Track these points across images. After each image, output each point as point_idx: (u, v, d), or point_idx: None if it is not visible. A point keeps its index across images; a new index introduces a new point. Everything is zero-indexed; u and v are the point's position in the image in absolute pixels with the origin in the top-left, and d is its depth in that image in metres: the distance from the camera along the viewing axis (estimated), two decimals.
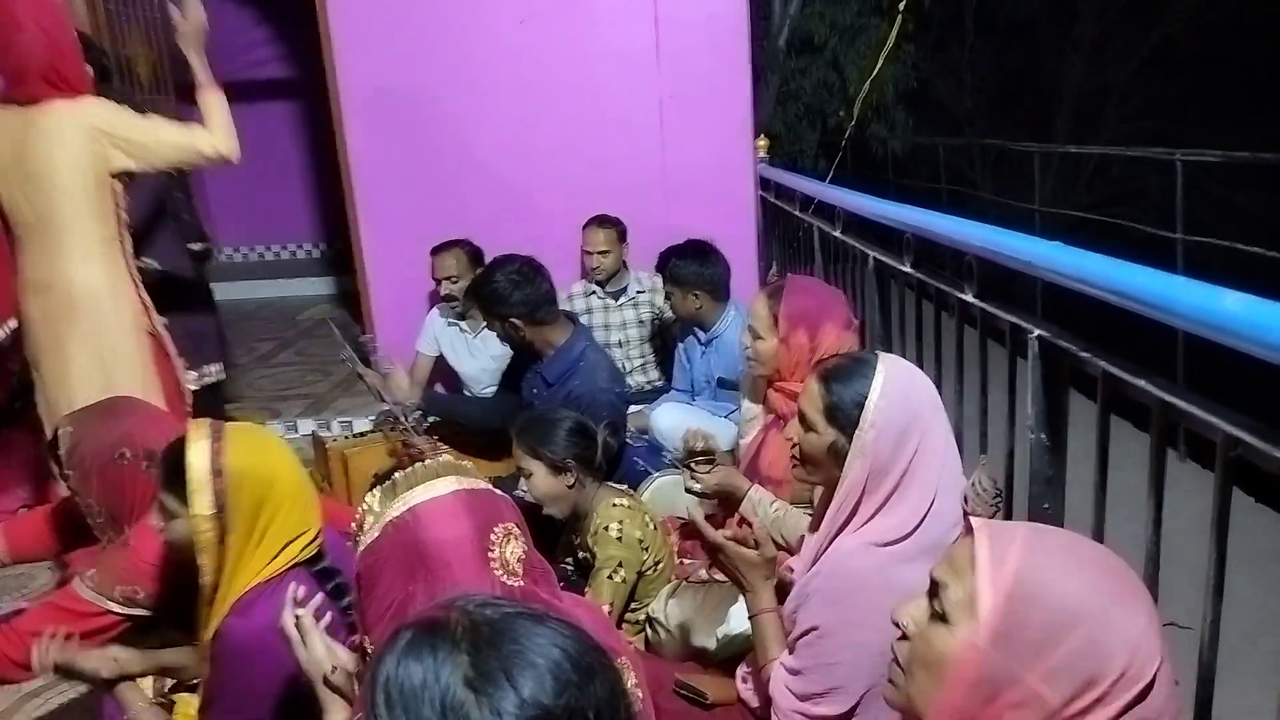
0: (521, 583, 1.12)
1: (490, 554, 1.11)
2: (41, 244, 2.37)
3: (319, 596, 1.29)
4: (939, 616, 0.88)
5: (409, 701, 0.70)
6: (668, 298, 3.25)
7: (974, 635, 0.84)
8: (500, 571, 1.11)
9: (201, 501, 1.44)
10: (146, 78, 4.08)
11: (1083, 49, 9.82)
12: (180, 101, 4.51)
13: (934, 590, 0.90)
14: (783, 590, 1.66)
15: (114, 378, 2.41)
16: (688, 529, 2.40)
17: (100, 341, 2.44)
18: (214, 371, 3.29)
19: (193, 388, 2.86)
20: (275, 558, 1.51)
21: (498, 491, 1.21)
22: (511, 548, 1.13)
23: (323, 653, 1.17)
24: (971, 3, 9.83)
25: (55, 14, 2.28)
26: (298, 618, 1.19)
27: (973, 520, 0.88)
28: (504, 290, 2.76)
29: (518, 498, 2.09)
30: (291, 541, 1.52)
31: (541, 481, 2.21)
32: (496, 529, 1.13)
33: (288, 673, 1.40)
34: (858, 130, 8.24)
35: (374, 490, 1.18)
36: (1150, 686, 0.80)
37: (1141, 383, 1.02)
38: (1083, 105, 9.93)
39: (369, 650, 1.14)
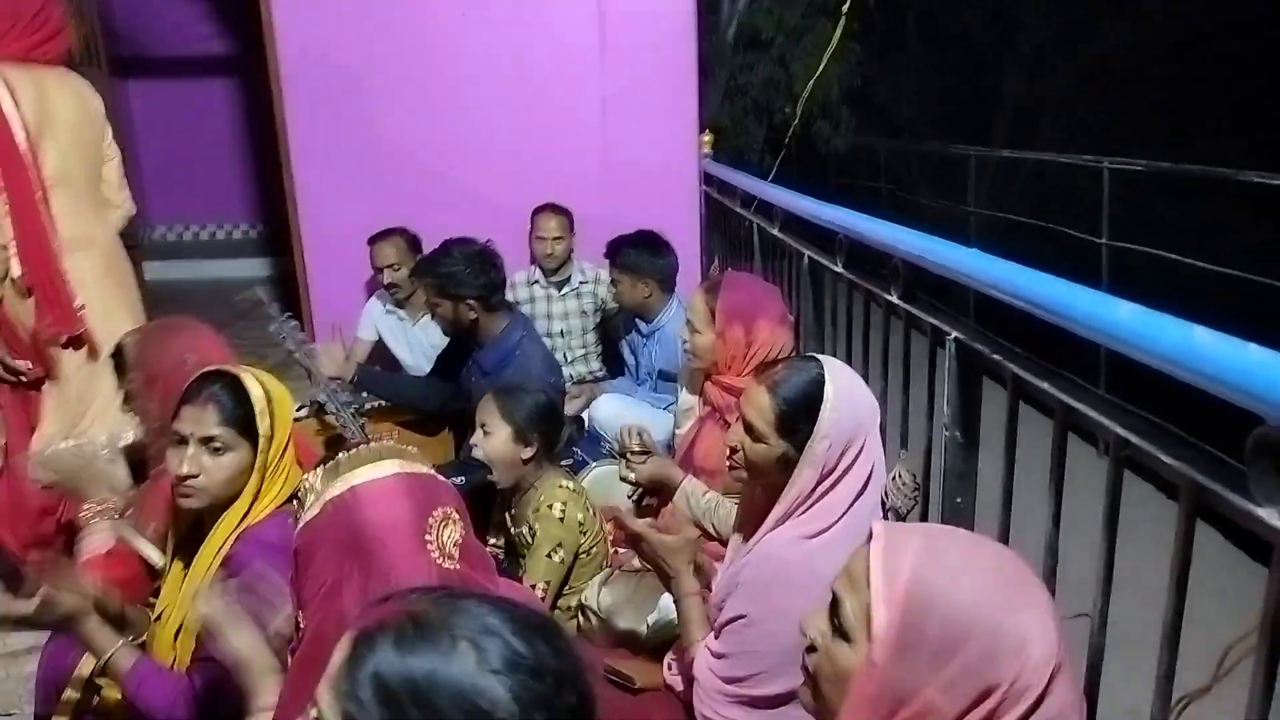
0: (457, 566, 1.15)
1: (427, 537, 1.13)
2: (75, 201, 2.41)
3: (233, 582, 1.29)
4: (840, 632, 0.90)
5: (422, 694, 0.68)
6: (614, 285, 3.27)
7: (871, 652, 0.85)
8: (437, 554, 1.13)
9: (265, 424, 1.54)
10: (78, 50, 3.95)
11: (1022, 59, 10.09)
12: (112, 75, 4.40)
13: (834, 605, 0.92)
14: (702, 575, 1.71)
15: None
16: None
17: (132, 293, 2.63)
18: None
19: None
20: (282, 490, 1.60)
21: (439, 476, 1.23)
22: (449, 532, 1.16)
23: (251, 644, 1.18)
24: (916, 7, 10.02)
25: None
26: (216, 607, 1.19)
27: (874, 526, 0.91)
28: (464, 271, 2.76)
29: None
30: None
31: (500, 445, 2.22)
32: (435, 513, 1.16)
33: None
34: (803, 128, 8.36)
35: (317, 469, 1.20)
36: (1048, 690, 0.82)
37: (1045, 385, 1.08)
38: (1020, 114, 10.20)
39: (301, 626, 1.15)
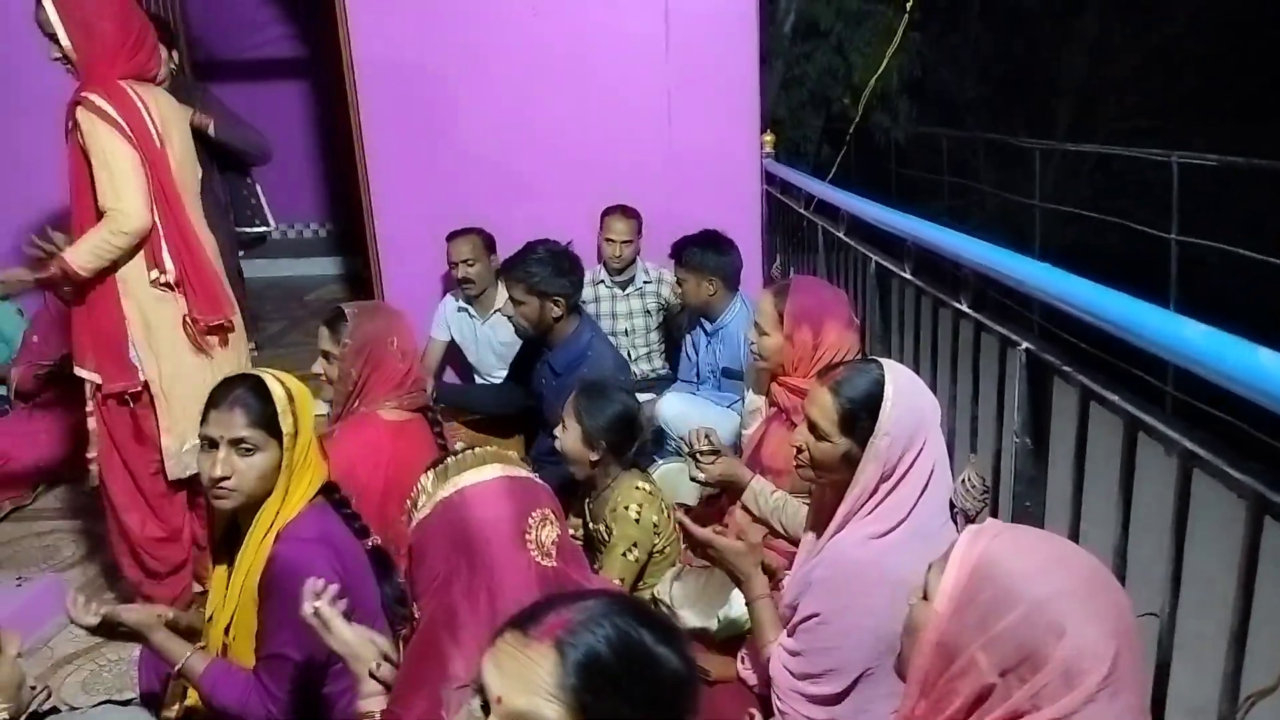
0: (555, 564, 1.24)
1: (527, 536, 1.24)
2: (195, 208, 2.55)
3: (334, 587, 1.37)
4: (924, 594, 1.03)
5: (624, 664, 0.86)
6: (679, 284, 3.32)
7: (938, 604, 0.98)
8: (536, 552, 1.24)
9: (289, 422, 1.63)
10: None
11: (1085, 42, 9.87)
12: (204, 81, 4.58)
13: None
14: (770, 575, 1.78)
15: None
16: (697, 516, 2.53)
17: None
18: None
19: None
20: (310, 483, 1.69)
21: (537, 479, 1.33)
22: (547, 531, 1.26)
23: (351, 637, 1.28)
24: None
25: None
26: (316, 610, 1.29)
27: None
28: (552, 270, 2.86)
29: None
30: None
31: (570, 443, 2.33)
32: (535, 513, 1.26)
33: (342, 577, 1.55)
34: (862, 119, 8.30)
35: (428, 472, 1.30)
36: (1094, 695, 0.88)
37: (1114, 398, 1.13)
38: (1083, 100, 9.98)
39: (416, 616, 1.26)
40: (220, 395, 1.65)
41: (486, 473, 1.28)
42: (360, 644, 1.28)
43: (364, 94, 3.80)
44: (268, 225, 3.60)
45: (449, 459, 1.31)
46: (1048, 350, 1.34)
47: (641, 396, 3.35)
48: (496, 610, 1.12)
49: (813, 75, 9.11)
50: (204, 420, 1.65)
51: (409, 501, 1.31)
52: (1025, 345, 1.37)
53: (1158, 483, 1.14)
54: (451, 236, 3.55)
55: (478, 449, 1.32)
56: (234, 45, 6.53)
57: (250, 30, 6.61)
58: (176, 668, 1.63)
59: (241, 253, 3.64)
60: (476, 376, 3.75)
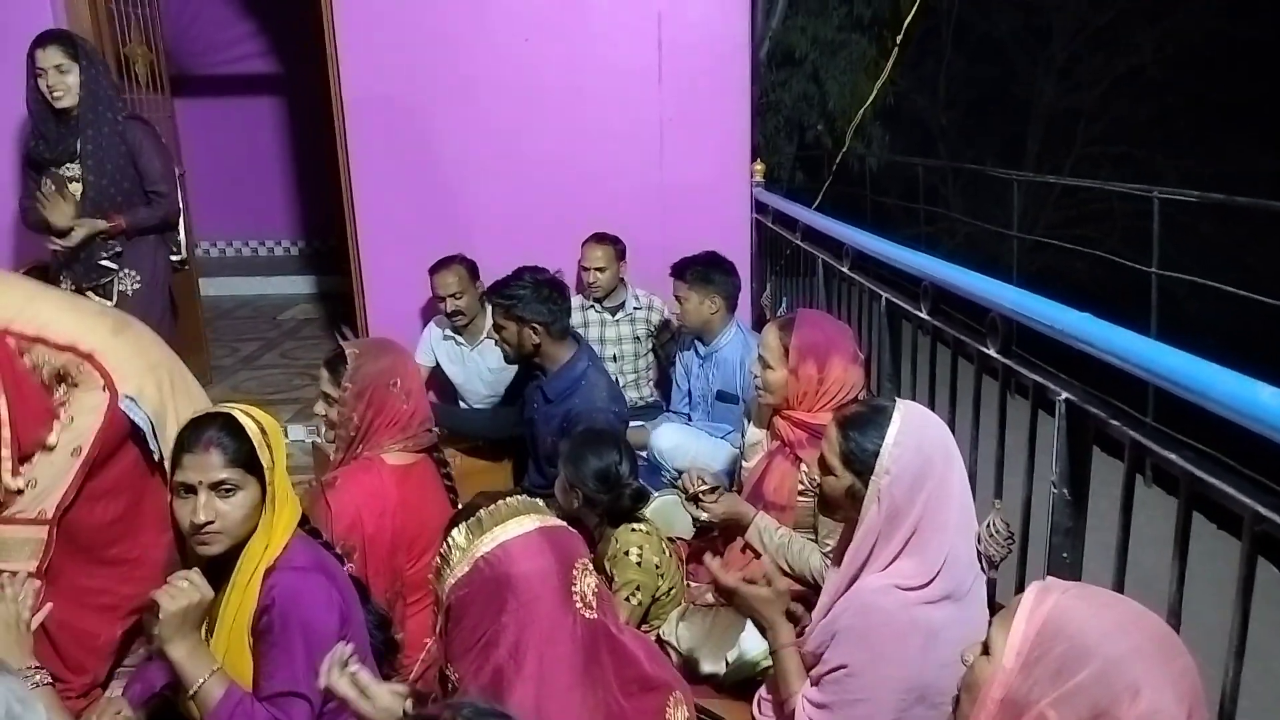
0: (596, 615, 1.20)
1: (573, 588, 1.19)
2: None
3: (350, 647, 1.32)
4: (985, 650, 1.01)
5: None
6: (680, 302, 3.27)
7: (1005, 659, 0.95)
8: (580, 605, 1.19)
9: (266, 455, 1.58)
10: (144, 76, 4.05)
11: (1054, 70, 10.09)
12: (178, 95, 4.48)
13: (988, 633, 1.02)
14: (795, 620, 1.74)
15: None
16: (694, 551, 2.49)
17: None
18: None
19: None
20: (292, 515, 1.64)
21: (570, 528, 1.28)
22: (589, 581, 1.22)
23: (390, 700, 1.22)
24: (950, 21, 10.02)
25: None
26: (353, 676, 1.22)
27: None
28: (531, 296, 2.82)
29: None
30: None
31: (557, 486, 2.31)
32: (577, 564, 1.21)
33: (340, 606, 1.54)
34: (836, 146, 8.38)
35: (459, 525, 1.24)
36: None
37: (1171, 456, 1.10)
38: (1053, 126, 10.19)
39: (451, 677, 1.20)
40: (191, 438, 1.57)
41: (525, 524, 1.23)
42: (393, 700, 1.22)
43: (351, 118, 3.75)
44: (180, 254, 3.46)
45: (480, 511, 1.25)
46: (1089, 400, 1.32)
47: (633, 424, 3.33)
48: (544, 672, 1.07)
49: (788, 102, 9.20)
50: (177, 466, 1.57)
51: (439, 558, 1.25)
52: (1065, 396, 1.35)
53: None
54: (435, 269, 3.48)
55: (509, 499, 1.27)
56: (208, 61, 6.43)
57: (224, 46, 6.51)
58: (192, 691, 1.48)
59: None
60: (462, 402, 3.68)
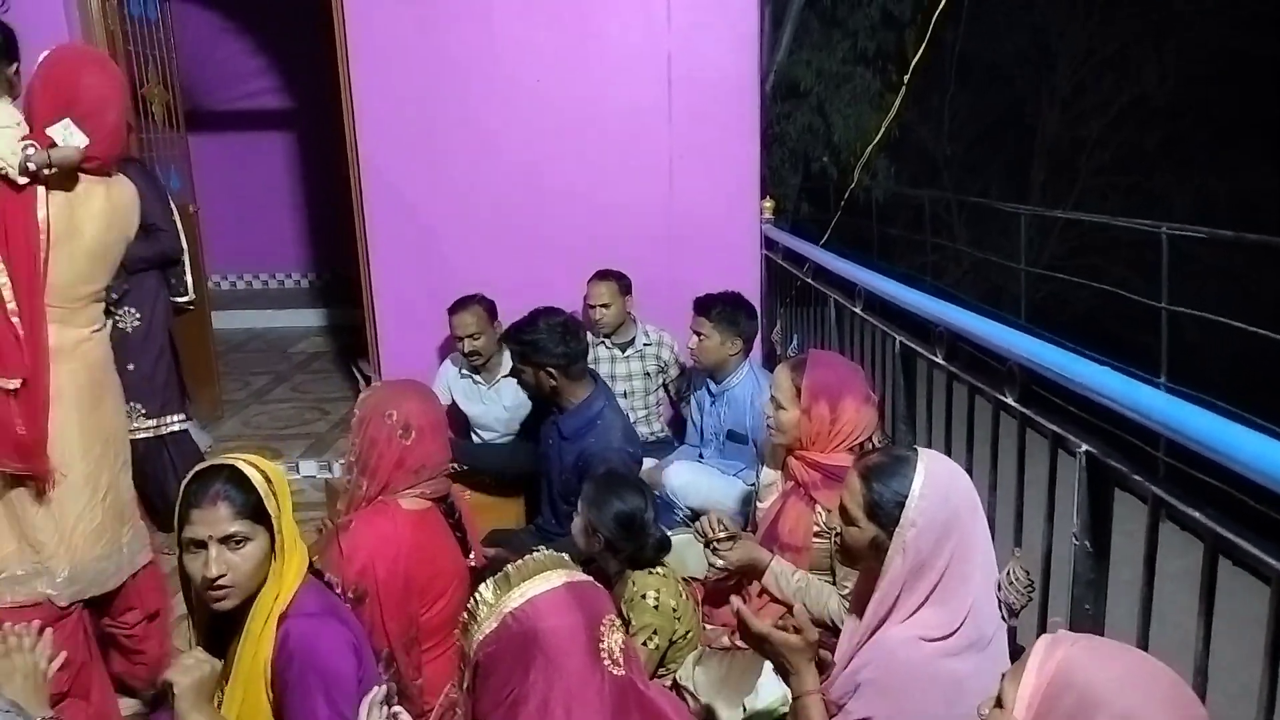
0: (623, 672, 1.20)
1: (601, 645, 1.20)
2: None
3: (388, 686, 1.33)
4: (998, 702, 1.01)
5: None
6: (700, 338, 3.25)
7: (1016, 712, 0.96)
8: (608, 662, 1.20)
9: (272, 504, 1.58)
10: (161, 115, 4.11)
11: (1059, 99, 10.14)
12: (189, 130, 4.53)
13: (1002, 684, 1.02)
14: (821, 668, 1.74)
15: None
16: (710, 594, 2.48)
17: None
18: (174, 422, 3.27)
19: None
20: (301, 561, 1.65)
21: (596, 583, 1.29)
22: (616, 637, 1.22)
23: None
24: (954, 52, 10.10)
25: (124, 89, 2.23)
26: (395, 715, 1.24)
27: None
28: (546, 340, 2.86)
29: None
30: None
31: (576, 528, 2.31)
32: (604, 621, 1.22)
33: (355, 647, 1.56)
34: (842, 178, 8.43)
35: (486, 582, 1.25)
36: None
37: (1195, 514, 1.11)
38: (1059, 153, 10.22)
39: None
40: (198, 493, 1.56)
41: (552, 579, 1.24)
42: None
43: (365, 151, 3.79)
44: (188, 295, 3.45)
45: (508, 566, 1.26)
46: (1110, 453, 1.32)
47: (645, 463, 3.33)
48: None
49: (793, 134, 9.27)
50: (185, 521, 1.57)
51: (466, 614, 1.26)
52: (1085, 448, 1.35)
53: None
54: (453, 309, 3.50)
55: (537, 554, 1.28)
56: (222, 96, 6.52)
57: (237, 81, 6.61)
58: None
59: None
60: (475, 437, 3.69)
